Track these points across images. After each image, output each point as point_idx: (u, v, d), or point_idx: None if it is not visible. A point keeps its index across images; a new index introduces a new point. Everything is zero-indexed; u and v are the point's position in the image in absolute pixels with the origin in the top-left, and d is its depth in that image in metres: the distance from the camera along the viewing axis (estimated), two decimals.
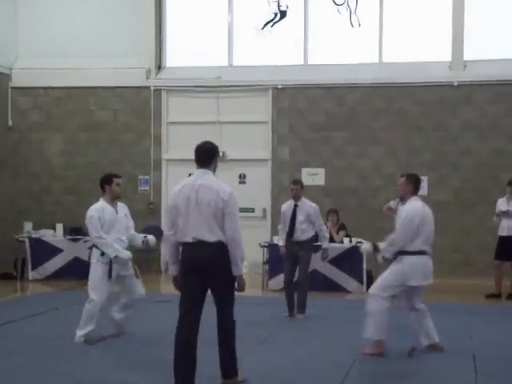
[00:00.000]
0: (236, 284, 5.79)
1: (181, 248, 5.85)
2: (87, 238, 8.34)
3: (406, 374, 6.76)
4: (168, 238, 5.91)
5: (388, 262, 7.52)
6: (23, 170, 15.87)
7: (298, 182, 9.99)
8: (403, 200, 7.60)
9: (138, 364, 6.97)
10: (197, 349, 5.74)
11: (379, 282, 7.53)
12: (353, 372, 6.78)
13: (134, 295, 8.24)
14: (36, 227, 14.23)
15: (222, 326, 5.89)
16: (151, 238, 8.34)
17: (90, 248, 8.18)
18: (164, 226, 5.99)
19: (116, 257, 7.91)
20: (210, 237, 5.66)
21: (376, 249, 7.77)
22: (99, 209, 8.00)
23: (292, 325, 9.30)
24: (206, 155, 5.90)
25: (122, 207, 8.21)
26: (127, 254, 8.02)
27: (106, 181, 8.06)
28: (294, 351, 7.62)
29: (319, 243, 10.12)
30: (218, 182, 5.88)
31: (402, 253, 7.33)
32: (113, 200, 8.09)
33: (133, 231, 8.33)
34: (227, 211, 5.66)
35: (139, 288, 8.31)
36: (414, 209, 7.35)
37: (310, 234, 9.74)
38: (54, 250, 13.61)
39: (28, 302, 11.56)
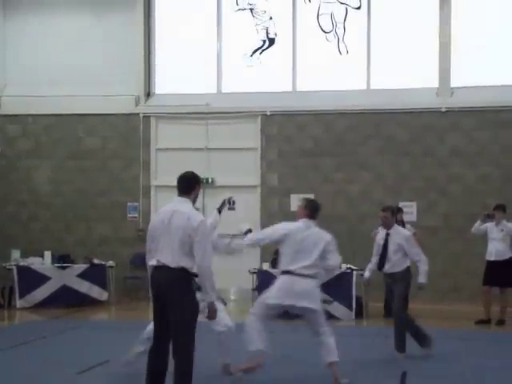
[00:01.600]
0: (206, 312, 5.80)
1: None
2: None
3: None
4: (147, 262, 6.02)
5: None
6: (11, 197, 15.80)
7: (387, 209, 9.07)
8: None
9: None
10: (166, 375, 5.77)
11: None
12: None
13: None
14: (24, 255, 14.12)
15: (176, 368, 5.68)
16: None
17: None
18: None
19: None
20: (172, 262, 5.72)
21: None
22: None
23: (279, 351, 9.20)
24: (187, 184, 6.06)
25: None
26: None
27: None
28: (278, 376, 7.55)
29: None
30: (193, 209, 5.98)
31: None
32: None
33: None
34: (196, 239, 5.70)
35: None
36: None
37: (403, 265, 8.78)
38: (42, 278, 13.50)
39: (16, 331, 11.45)
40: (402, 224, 12.65)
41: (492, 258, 11.78)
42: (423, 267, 8.75)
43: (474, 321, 11.76)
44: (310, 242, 7.20)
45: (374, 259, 9.09)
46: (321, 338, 7.26)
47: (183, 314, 5.69)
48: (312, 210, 7.41)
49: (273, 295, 7.24)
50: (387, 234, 8.82)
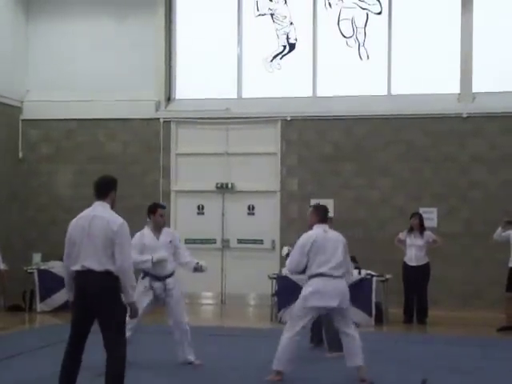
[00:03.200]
0: (128, 311, 5.99)
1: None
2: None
3: None
4: (65, 267, 6.19)
5: None
6: (33, 201, 15.91)
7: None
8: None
9: None
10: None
11: None
12: None
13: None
14: (44, 259, 14.22)
15: (109, 369, 5.92)
16: (204, 264, 8.60)
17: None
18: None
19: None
20: (98, 266, 5.85)
21: None
22: (139, 236, 8.49)
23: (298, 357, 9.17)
24: (102, 188, 6.24)
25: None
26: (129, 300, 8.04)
27: (150, 210, 8.63)
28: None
29: None
30: (112, 213, 6.09)
31: None
32: (155, 229, 8.54)
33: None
34: (116, 242, 5.86)
35: None
36: None
37: None
38: (63, 282, 13.46)
39: (36, 334, 11.52)
40: (421, 229, 12.63)
41: None
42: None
43: (496, 328, 11.64)
44: (331, 244, 7.61)
45: None
46: (348, 340, 7.48)
47: (114, 314, 5.88)
48: (321, 215, 7.85)
49: (309, 298, 7.46)
50: None
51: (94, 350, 7.90)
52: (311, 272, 7.56)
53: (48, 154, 16.02)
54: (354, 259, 12.66)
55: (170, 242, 8.43)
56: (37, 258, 14.16)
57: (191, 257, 8.65)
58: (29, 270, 13.76)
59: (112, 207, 6.18)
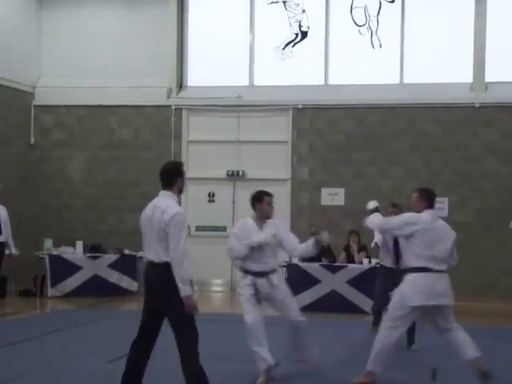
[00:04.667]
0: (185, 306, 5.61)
1: None
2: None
3: None
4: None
5: None
6: (44, 187, 15.97)
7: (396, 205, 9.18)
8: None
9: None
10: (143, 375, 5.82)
11: None
12: None
13: None
14: (56, 244, 14.28)
15: (182, 364, 5.64)
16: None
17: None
18: None
19: None
20: (157, 257, 5.70)
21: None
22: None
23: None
24: (167, 176, 5.93)
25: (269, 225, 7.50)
26: None
27: (257, 199, 7.46)
28: (313, 374, 7.55)
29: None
30: (169, 203, 5.77)
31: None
32: (261, 219, 7.45)
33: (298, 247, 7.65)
34: (169, 232, 5.63)
35: None
36: None
37: None
38: (74, 268, 13.66)
39: (47, 319, 11.60)
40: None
41: None
42: None
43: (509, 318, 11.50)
44: (440, 236, 6.78)
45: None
46: (452, 334, 6.80)
47: (178, 307, 5.54)
48: (430, 199, 6.95)
49: (413, 296, 6.61)
50: None
51: (111, 336, 7.97)
52: (413, 264, 6.68)
53: (60, 139, 16.06)
54: (364, 248, 12.71)
55: (274, 235, 7.35)
56: (48, 243, 14.23)
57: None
58: (40, 256, 13.84)
59: (180, 192, 5.92)
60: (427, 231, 6.68)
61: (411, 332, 8.48)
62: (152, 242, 5.72)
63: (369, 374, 6.83)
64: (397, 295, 6.75)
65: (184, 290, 5.54)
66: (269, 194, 7.43)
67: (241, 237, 7.21)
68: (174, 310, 5.60)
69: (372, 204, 7.34)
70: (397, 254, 8.64)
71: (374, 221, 7.11)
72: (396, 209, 9.87)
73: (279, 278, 7.47)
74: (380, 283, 9.44)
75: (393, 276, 8.30)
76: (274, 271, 7.29)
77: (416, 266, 6.65)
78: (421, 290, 6.59)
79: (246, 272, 7.26)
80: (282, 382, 7.15)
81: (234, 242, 7.22)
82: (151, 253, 5.72)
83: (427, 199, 6.93)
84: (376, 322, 8.52)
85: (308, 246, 7.39)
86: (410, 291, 6.62)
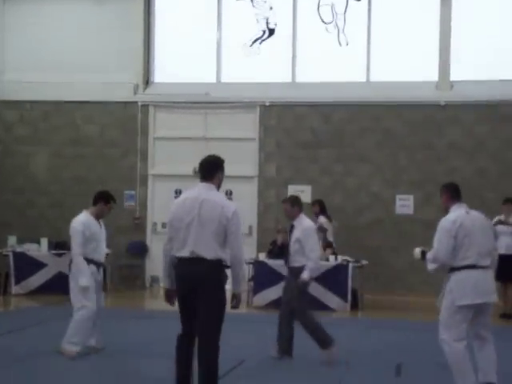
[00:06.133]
0: (233, 300, 5.58)
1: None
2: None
3: None
4: (166, 251, 5.71)
5: None
6: (8, 183, 15.76)
7: (286, 200, 8.45)
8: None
9: (121, 378, 6.89)
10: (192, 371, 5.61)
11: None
12: None
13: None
14: (20, 241, 14.12)
15: (202, 365, 5.46)
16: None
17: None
18: (165, 237, 5.76)
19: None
20: (209, 253, 5.48)
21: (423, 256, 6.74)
22: (84, 222, 7.96)
23: (272, 343, 9.20)
24: (209, 169, 5.76)
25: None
26: (84, 284, 7.88)
27: (103, 198, 8.17)
28: (277, 370, 7.57)
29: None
30: (223, 197, 5.77)
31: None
32: (97, 218, 8.14)
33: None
34: (231, 230, 5.50)
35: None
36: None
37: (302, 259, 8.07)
38: (38, 265, 13.50)
39: (11, 317, 11.45)
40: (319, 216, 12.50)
41: (502, 252, 11.10)
42: (309, 264, 7.95)
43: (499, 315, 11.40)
44: (480, 229, 6.44)
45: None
46: (483, 346, 6.42)
47: (216, 306, 5.50)
48: (456, 192, 6.74)
49: (462, 296, 6.26)
50: (292, 226, 8.18)
51: (52, 336, 7.90)
52: (457, 263, 6.32)
53: (24, 135, 15.87)
54: (330, 245, 12.78)
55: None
56: (12, 240, 14.05)
57: None
58: (4, 253, 13.65)
59: (218, 189, 5.73)
60: (463, 226, 6.36)
61: (289, 341, 8.10)
62: (203, 238, 5.48)
63: None
64: (446, 299, 6.42)
65: (241, 287, 5.58)
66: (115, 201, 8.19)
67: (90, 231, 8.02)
68: (214, 309, 5.51)
69: (417, 253, 6.94)
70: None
71: (432, 265, 6.55)
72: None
73: None
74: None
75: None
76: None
77: (461, 264, 6.34)
78: (468, 289, 6.27)
79: None
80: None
81: None
82: (201, 248, 5.48)
83: (451, 193, 6.72)
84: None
85: None
86: (457, 291, 6.29)
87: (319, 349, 7.86)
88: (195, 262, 5.50)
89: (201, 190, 5.67)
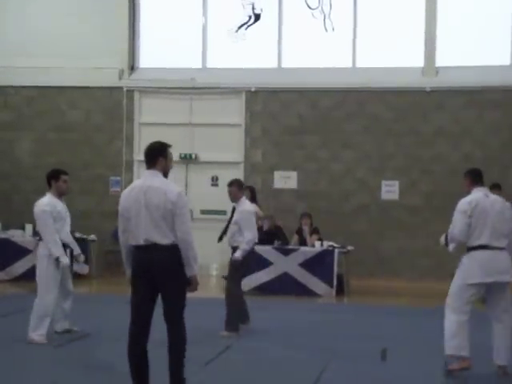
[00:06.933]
0: (190, 284, 5.66)
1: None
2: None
3: (379, 379, 6.75)
4: (123, 242, 5.79)
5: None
6: None
7: (233, 183, 9.02)
8: None
9: (105, 365, 6.89)
10: (147, 354, 5.64)
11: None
12: (324, 377, 6.75)
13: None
14: (4, 227, 14.04)
15: (172, 345, 5.63)
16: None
17: (39, 240, 8.08)
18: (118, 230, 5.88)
19: (57, 258, 7.83)
20: (162, 239, 5.56)
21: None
22: (50, 203, 7.97)
23: (259, 329, 9.20)
24: (151, 155, 5.79)
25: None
26: (66, 262, 7.92)
27: (53, 176, 8.11)
28: (263, 356, 7.59)
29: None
30: (167, 182, 5.75)
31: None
32: (59, 196, 8.13)
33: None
34: (176, 212, 5.56)
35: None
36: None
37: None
38: (23, 251, 13.42)
39: None
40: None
41: None
42: (242, 245, 8.59)
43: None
44: (496, 211, 6.73)
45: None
46: (500, 330, 6.71)
47: (180, 289, 5.62)
48: (477, 176, 7.03)
49: (474, 274, 6.62)
50: (233, 208, 9.13)
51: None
52: (471, 243, 6.67)
53: (8, 121, 15.74)
54: (316, 231, 12.80)
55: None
56: None
57: None
58: None
59: (165, 176, 5.75)
60: (479, 208, 6.68)
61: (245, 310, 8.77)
62: (151, 224, 5.54)
63: (462, 359, 6.66)
64: (457, 275, 6.79)
65: (193, 270, 5.60)
66: (65, 173, 8.18)
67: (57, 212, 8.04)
68: (177, 291, 5.62)
69: (442, 240, 7.22)
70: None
71: (451, 245, 6.91)
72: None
73: None
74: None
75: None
76: None
77: (475, 244, 6.67)
78: (481, 268, 6.61)
79: None
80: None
81: None
82: (153, 235, 5.55)
83: (473, 177, 7.01)
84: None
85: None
86: (469, 269, 6.66)
87: (223, 327, 8.39)
88: (150, 248, 5.59)
89: (146, 178, 5.76)
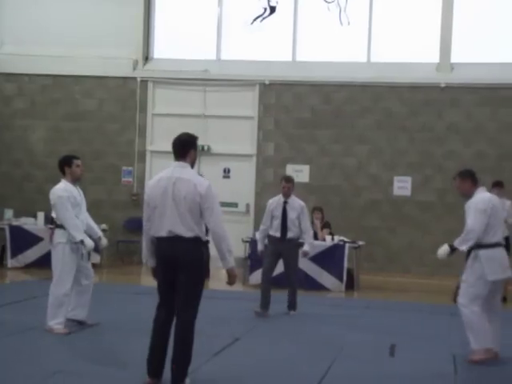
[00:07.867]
0: (227, 277, 5.69)
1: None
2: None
3: (387, 375, 6.75)
4: (146, 232, 5.80)
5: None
6: (5, 156, 15.73)
7: (290, 180, 9.66)
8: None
9: (113, 355, 6.92)
10: (168, 343, 5.70)
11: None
12: (332, 372, 6.75)
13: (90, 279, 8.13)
14: (17, 215, 14.11)
15: (178, 334, 5.60)
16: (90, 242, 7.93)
17: (53, 229, 7.93)
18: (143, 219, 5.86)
19: (82, 241, 7.79)
20: (186, 232, 5.55)
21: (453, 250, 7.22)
22: (66, 189, 7.89)
23: (268, 322, 9.26)
24: (182, 147, 5.74)
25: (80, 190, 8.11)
26: (91, 244, 7.90)
27: (65, 162, 8.03)
28: (272, 349, 7.60)
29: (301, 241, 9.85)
30: (196, 175, 5.77)
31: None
32: (74, 182, 8.02)
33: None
34: (205, 206, 5.53)
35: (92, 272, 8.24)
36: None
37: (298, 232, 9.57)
38: (35, 239, 13.49)
39: (6, 290, 11.46)
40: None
41: None
42: (309, 239, 9.70)
43: None
44: (500, 210, 7.26)
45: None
46: (494, 318, 7.05)
47: (196, 283, 5.61)
48: (474, 176, 7.27)
49: (495, 271, 6.92)
50: (285, 203, 9.54)
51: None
52: (487, 240, 6.95)
53: (22, 108, 15.81)
54: (327, 225, 12.78)
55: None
56: (8, 213, 14.04)
57: None
58: (0, 226, 13.64)
59: (192, 167, 5.74)
60: (495, 207, 7.06)
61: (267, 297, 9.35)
62: (178, 217, 5.53)
63: (487, 351, 6.95)
64: (474, 272, 6.99)
65: (229, 263, 5.62)
66: (77, 157, 8.14)
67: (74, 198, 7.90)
68: (194, 285, 5.62)
69: (445, 249, 7.36)
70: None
71: (468, 243, 7.04)
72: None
73: None
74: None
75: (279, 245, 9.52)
76: None
77: (490, 242, 6.97)
78: (500, 265, 6.98)
79: None
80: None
81: None
82: (177, 227, 5.53)
83: (473, 179, 7.24)
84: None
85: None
86: (488, 267, 6.91)
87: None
88: (173, 240, 5.57)
89: (174, 169, 5.70)
